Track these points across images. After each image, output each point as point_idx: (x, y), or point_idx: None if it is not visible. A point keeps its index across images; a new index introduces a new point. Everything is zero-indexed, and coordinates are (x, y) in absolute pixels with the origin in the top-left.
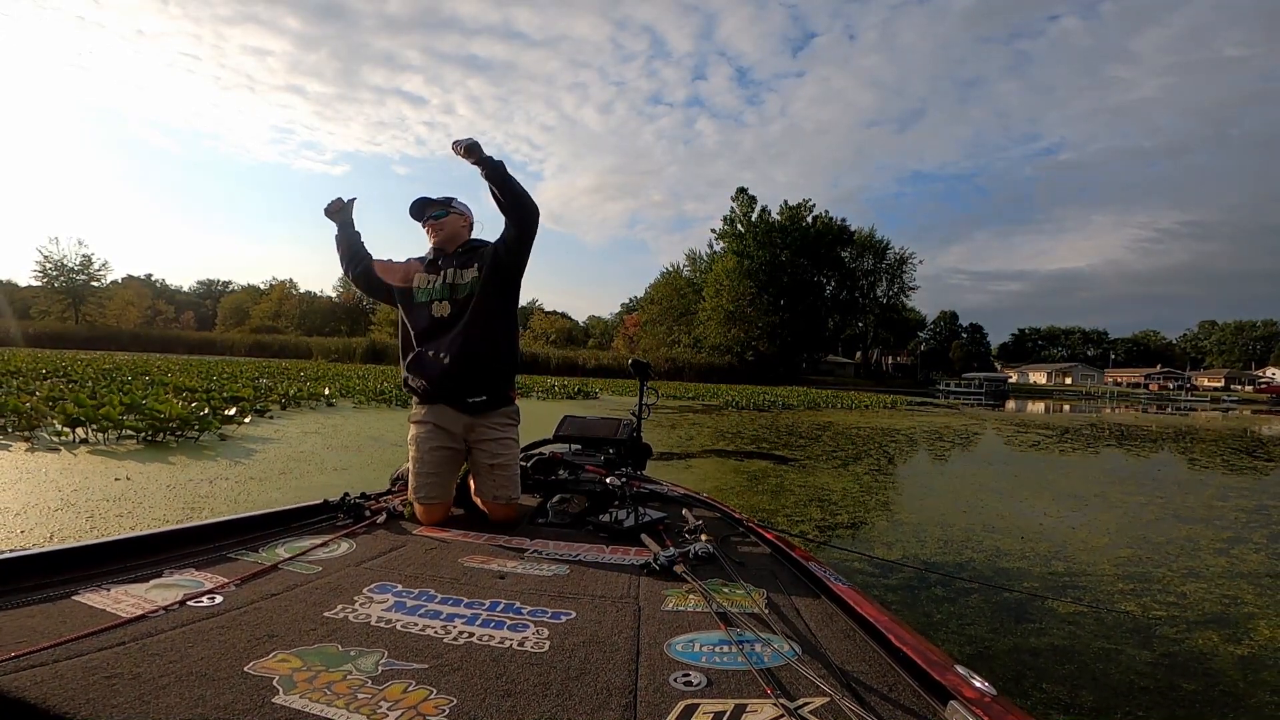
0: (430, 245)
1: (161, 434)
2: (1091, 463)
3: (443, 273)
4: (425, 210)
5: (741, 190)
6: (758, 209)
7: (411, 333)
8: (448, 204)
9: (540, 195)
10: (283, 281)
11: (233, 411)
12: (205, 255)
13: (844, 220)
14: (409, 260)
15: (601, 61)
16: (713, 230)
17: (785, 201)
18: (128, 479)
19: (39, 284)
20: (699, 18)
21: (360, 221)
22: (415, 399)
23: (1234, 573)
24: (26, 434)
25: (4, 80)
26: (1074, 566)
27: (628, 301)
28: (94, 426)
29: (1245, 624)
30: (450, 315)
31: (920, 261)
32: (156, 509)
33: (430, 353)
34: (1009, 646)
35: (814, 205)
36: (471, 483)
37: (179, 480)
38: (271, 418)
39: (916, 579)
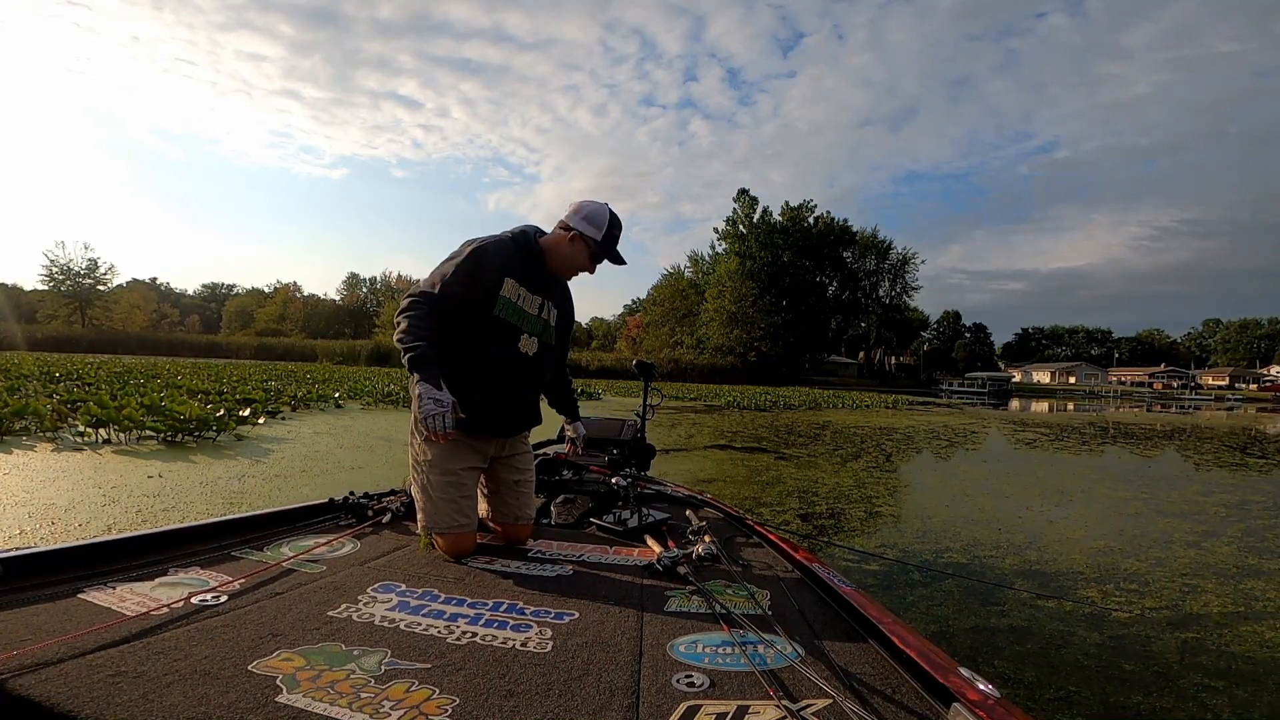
0: (558, 252)
1: (180, 434)
2: (1084, 460)
3: (545, 303)
4: (614, 240)
5: (743, 191)
6: (759, 210)
7: (487, 356)
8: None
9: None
10: (286, 284)
11: (247, 413)
12: (209, 258)
13: (845, 220)
14: (491, 243)
15: (593, 64)
16: (715, 230)
17: (786, 202)
18: (160, 477)
19: (45, 288)
20: (688, 20)
21: (361, 225)
22: None
23: (1200, 563)
24: (50, 435)
25: (5, 85)
26: (1046, 556)
27: (630, 303)
28: (116, 427)
29: (1197, 612)
30: (534, 356)
31: (922, 261)
32: (197, 504)
33: (507, 395)
34: (970, 626)
35: (815, 206)
36: (486, 504)
37: (209, 478)
38: (284, 419)
39: (895, 566)
